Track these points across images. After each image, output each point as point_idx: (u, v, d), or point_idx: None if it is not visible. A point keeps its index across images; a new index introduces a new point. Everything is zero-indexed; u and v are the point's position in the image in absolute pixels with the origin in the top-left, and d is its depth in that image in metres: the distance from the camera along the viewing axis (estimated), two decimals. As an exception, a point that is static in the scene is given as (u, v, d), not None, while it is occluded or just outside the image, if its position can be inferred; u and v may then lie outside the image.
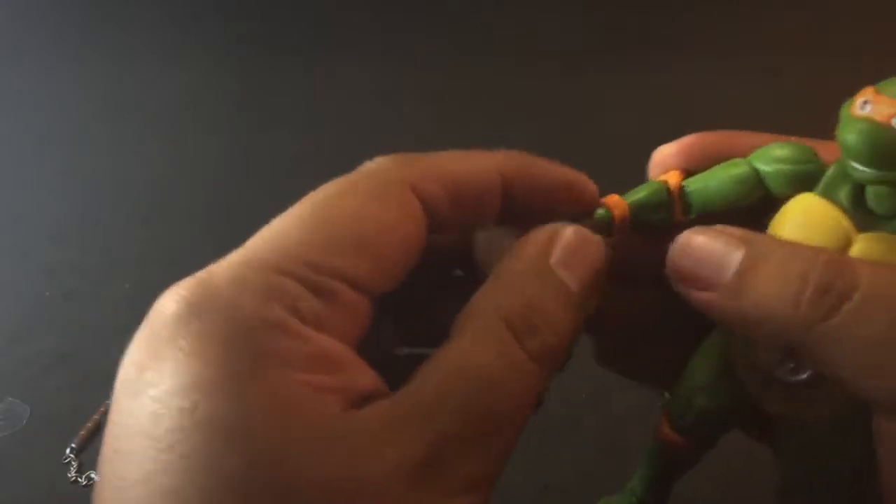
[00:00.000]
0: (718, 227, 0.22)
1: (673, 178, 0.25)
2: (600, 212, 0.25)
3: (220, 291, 0.18)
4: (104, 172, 0.67)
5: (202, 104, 0.76)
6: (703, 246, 0.22)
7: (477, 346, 0.19)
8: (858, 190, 0.22)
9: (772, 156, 0.24)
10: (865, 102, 0.21)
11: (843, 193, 0.22)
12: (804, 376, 0.22)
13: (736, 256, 0.21)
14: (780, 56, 0.80)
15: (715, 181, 0.24)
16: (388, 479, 0.17)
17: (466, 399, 0.18)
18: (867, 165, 0.21)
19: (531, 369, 0.20)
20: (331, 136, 0.71)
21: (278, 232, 0.20)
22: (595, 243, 0.22)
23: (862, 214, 0.22)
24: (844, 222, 0.22)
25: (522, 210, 0.24)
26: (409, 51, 0.82)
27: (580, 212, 0.24)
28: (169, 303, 0.18)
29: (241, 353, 0.17)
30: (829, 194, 0.22)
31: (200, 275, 0.19)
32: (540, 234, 0.22)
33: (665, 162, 0.26)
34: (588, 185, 0.25)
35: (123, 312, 0.52)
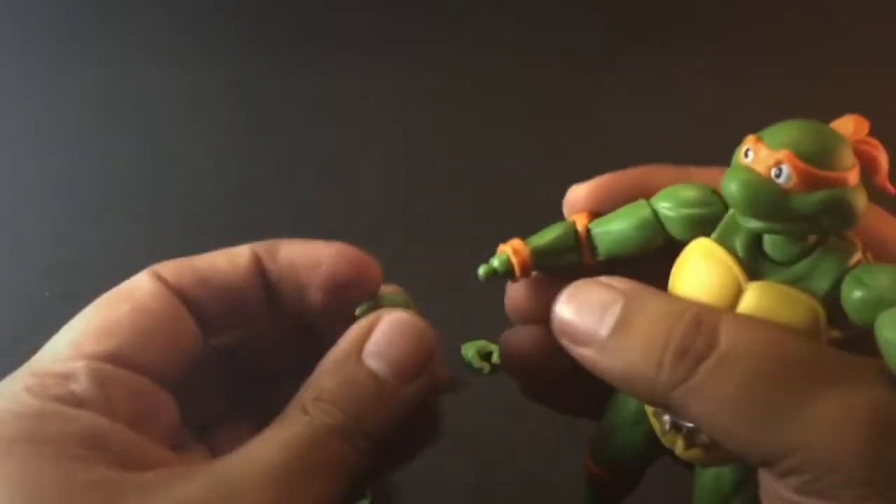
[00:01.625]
0: (603, 278, 0.22)
1: (581, 220, 0.25)
2: (501, 258, 0.25)
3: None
4: (104, 172, 0.67)
5: (202, 104, 0.76)
6: (579, 305, 0.22)
7: (269, 431, 0.21)
8: (755, 235, 0.22)
9: (673, 198, 0.23)
10: (748, 151, 0.20)
11: (739, 239, 0.22)
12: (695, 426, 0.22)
13: (614, 311, 0.21)
14: (781, 56, 0.80)
15: (616, 225, 0.24)
16: None
17: (249, 466, 0.20)
18: (749, 217, 0.20)
19: (323, 444, 0.21)
20: (331, 136, 0.71)
21: (47, 344, 0.23)
22: (414, 329, 0.23)
23: (758, 260, 0.21)
24: (736, 270, 0.21)
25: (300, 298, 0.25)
26: (408, 51, 0.82)
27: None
28: None
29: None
30: (725, 239, 0.22)
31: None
32: (358, 325, 0.23)
33: (575, 203, 0.25)
34: (349, 252, 0.25)
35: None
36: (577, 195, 0.26)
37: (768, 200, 0.20)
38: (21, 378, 0.21)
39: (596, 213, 0.25)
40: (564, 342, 0.23)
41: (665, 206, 0.23)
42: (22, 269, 0.57)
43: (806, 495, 0.19)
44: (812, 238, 0.21)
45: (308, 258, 0.25)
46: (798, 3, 0.86)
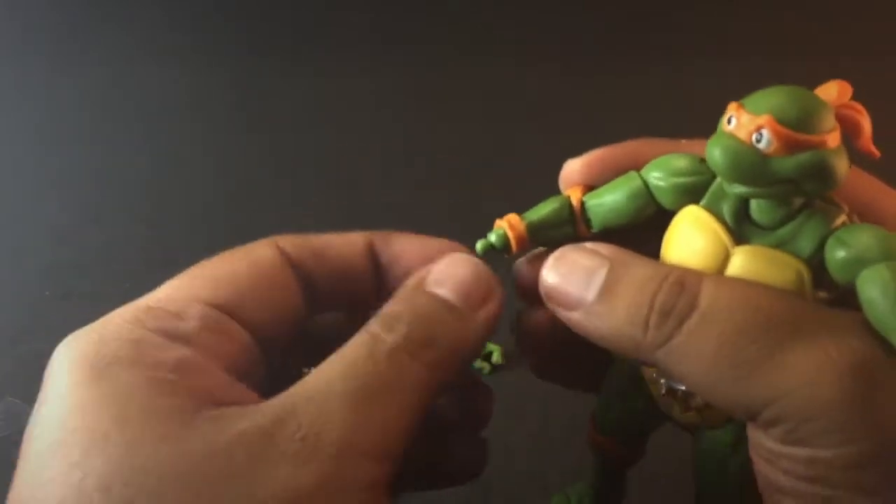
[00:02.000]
0: (588, 245, 0.23)
1: (575, 194, 0.25)
2: (497, 233, 0.26)
3: (94, 325, 0.22)
4: (104, 172, 0.67)
5: (202, 104, 0.76)
6: (567, 270, 0.23)
7: (335, 354, 0.21)
8: (742, 201, 0.22)
9: (662, 168, 0.24)
10: (731, 118, 0.21)
11: (727, 205, 0.22)
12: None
13: (599, 276, 0.22)
14: (781, 56, 0.80)
15: (609, 197, 0.25)
16: (230, 447, 0.19)
17: (315, 385, 0.20)
18: (732, 182, 0.21)
19: (390, 359, 0.21)
20: (331, 136, 0.71)
21: (163, 286, 0.24)
22: (468, 260, 0.24)
23: (745, 226, 0.22)
24: (724, 236, 0.22)
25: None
26: (408, 51, 0.82)
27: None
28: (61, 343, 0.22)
29: (92, 363, 0.20)
30: (713, 206, 0.22)
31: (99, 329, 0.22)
32: (420, 270, 0.24)
33: (570, 177, 0.26)
34: (457, 249, 0.26)
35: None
36: (572, 169, 0.26)
37: (750, 165, 0.20)
38: (133, 310, 0.22)
39: (590, 187, 0.26)
40: (553, 307, 0.23)
41: (655, 175, 0.24)
42: (22, 269, 0.57)
43: (789, 444, 0.20)
44: (797, 202, 0.21)
45: (419, 252, 0.26)
46: (798, 3, 0.86)
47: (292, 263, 0.25)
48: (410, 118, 0.73)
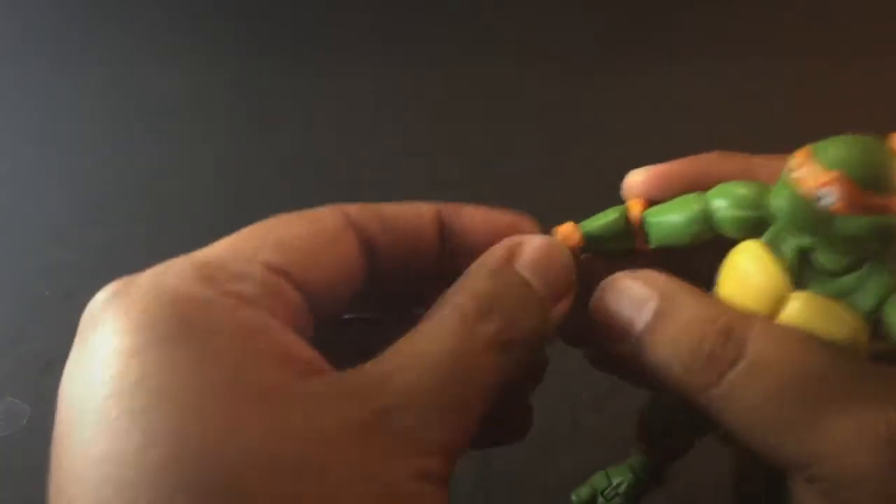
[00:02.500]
0: (640, 273, 0.23)
1: (636, 207, 0.25)
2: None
3: (145, 276, 0.20)
4: (104, 172, 0.67)
5: (202, 104, 0.76)
6: (615, 304, 0.23)
7: (426, 333, 0.20)
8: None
9: (727, 196, 0.23)
10: (798, 165, 0.20)
11: (790, 246, 0.22)
12: None
13: (647, 310, 0.22)
14: (781, 57, 0.80)
15: (669, 217, 0.24)
16: (339, 433, 0.18)
17: (411, 374, 0.19)
18: (793, 232, 0.21)
19: (481, 352, 0.20)
20: (330, 137, 0.71)
21: (216, 243, 0.22)
22: (560, 251, 0.23)
23: (806, 269, 0.21)
24: (782, 278, 0.21)
25: (465, 253, 0.24)
26: (408, 51, 0.82)
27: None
28: (99, 293, 0.20)
29: (163, 320, 0.18)
30: (775, 244, 0.22)
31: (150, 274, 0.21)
32: (507, 241, 0.23)
33: (633, 188, 0.26)
34: (525, 223, 0.25)
35: (123, 312, 0.52)
36: (635, 181, 0.26)
37: (812, 222, 0.20)
38: (195, 266, 0.20)
39: (652, 201, 0.25)
40: (601, 336, 0.23)
41: (718, 204, 0.23)
42: (22, 269, 0.57)
43: (827, 502, 0.20)
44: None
45: (491, 224, 0.25)
46: (798, 4, 0.86)
47: (358, 232, 0.23)
48: (410, 118, 0.73)
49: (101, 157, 0.69)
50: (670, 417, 0.27)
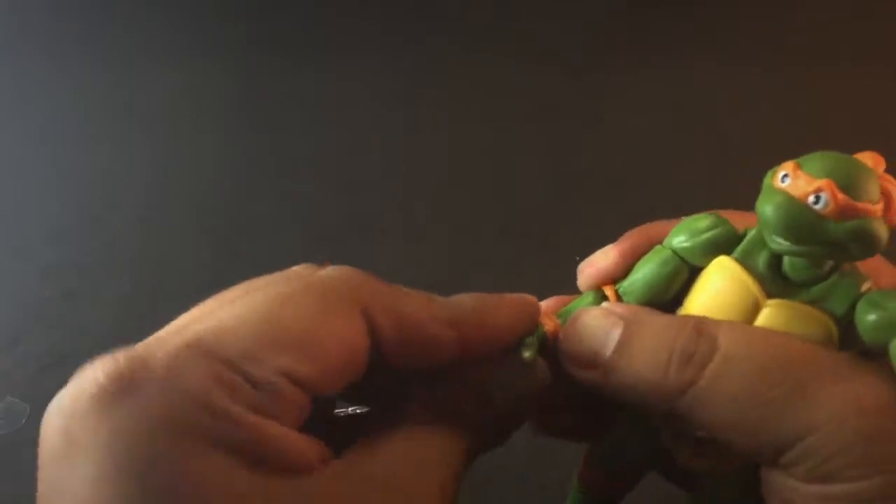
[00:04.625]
0: (605, 305, 0.24)
1: (608, 289, 0.26)
2: (538, 332, 0.25)
3: (159, 370, 0.18)
4: (104, 172, 0.67)
5: (202, 104, 0.76)
6: (586, 326, 0.23)
7: (402, 431, 0.22)
8: (776, 257, 0.23)
9: (684, 231, 0.24)
10: (785, 176, 0.21)
11: (761, 259, 0.23)
12: (705, 434, 0.23)
13: (614, 335, 0.22)
14: (781, 57, 0.80)
15: (640, 272, 0.25)
16: None
17: (386, 473, 0.20)
18: (782, 238, 0.21)
19: (451, 448, 0.22)
20: (330, 137, 0.71)
21: (221, 320, 0.20)
22: (535, 378, 0.24)
23: (777, 281, 0.23)
24: (754, 289, 0.22)
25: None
26: (408, 51, 0.82)
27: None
28: (104, 374, 0.18)
29: (176, 436, 0.18)
30: (746, 259, 0.23)
31: (138, 350, 0.19)
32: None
33: (596, 276, 0.26)
34: (532, 309, 0.25)
35: (123, 312, 0.52)
36: (598, 268, 0.26)
37: (804, 224, 0.21)
38: (206, 364, 0.19)
39: (617, 280, 0.26)
40: (571, 369, 0.24)
41: (679, 239, 0.24)
42: (22, 269, 0.57)
43: (813, 482, 0.20)
44: (828, 264, 0.22)
45: (501, 322, 0.24)
46: (799, 4, 0.86)
47: (368, 324, 0.22)
48: (410, 118, 0.73)
49: (101, 157, 0.69)
50: (628, 452, 0.27)
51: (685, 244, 0.24)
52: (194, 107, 0.76)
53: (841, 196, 0.20)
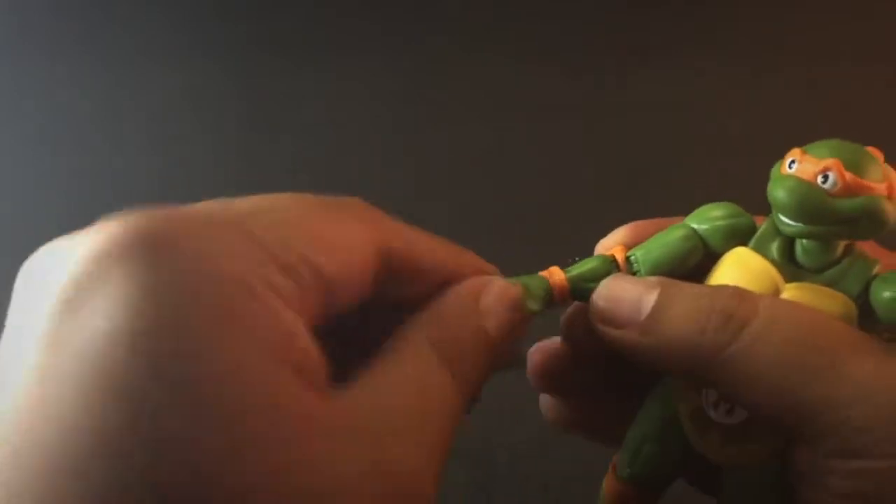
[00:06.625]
0: (637, 276, 0.24)
1: (618, 252, 0.26)
2: (540, 283, 0.25)
3: (200, 236, 0.17)
4: (104, 172, 0.67)
5: (202, 104, 0.76)
6: (620, 290, 0.24)
7: (410, 365, 0.21)
8: (788, 244, 0.24)
9: (705, 215, 0.25)
10: (793, 162, 0.23)
11: (774, 247, 0.24)
12: (740, 419, 0.24)
13: (650, 298, 0.23)
14: (781, 57, 0.80)
15: (659, 241, 0.26)
16: (342, 475, 0.17)
17: (401, 406, 0.20)
18: (795, 220, 0.23)
19: (453, 390, 0.21)
20: (331, 137, 0.71)
21: (267, 209, 0.21)
22: (515, 298, 0.24)
23: (791, 267, 0.24)
24: (774, 273, 0.23)
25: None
26: (408, 51, 0.82)
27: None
28: (139, 225, 0.17)
29: (207, 306, 0.16)
30: (760, 248, 0.24)
31: (178, 210, 0.18)
32: (474, 282, 0.24)
33: (611, 241, 0.27)
34: (487, 266, 0.26)
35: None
36: (614, 236, 0.27)
37: (815, 203, 0.22)
38: (246, 246, 0.18)
39: (629, 248, 0.26)
40: (602, 327, 0.24)
41: (699, 222, 0.25)
42: (22, 269, 0.57)
43: (842, 457, 0.20)
44: (841, 248, 0.23)
45: (449, 264, 0.25)
46: (799, 4, 0.86)
47: (384, 256, 0.22)
48: (410, 118, 0.73)
49: (101, 157, 0.69)
50: (656, 451, 0.27)
51: (706, 226, 0.25)
52: (194, 107, 0.76)
53: (848, 174, 0.22)
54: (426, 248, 0.24)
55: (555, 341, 0.28)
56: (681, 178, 0.60)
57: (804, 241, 0.23)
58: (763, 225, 0.24)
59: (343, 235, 0.22)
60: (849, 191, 0.22)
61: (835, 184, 0.22)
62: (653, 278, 0.24)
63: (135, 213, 0.17)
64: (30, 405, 0.15)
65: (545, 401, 0.29)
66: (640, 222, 0.27)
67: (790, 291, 0.23)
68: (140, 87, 0.78)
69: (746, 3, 0.87)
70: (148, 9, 0.89)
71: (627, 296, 0.23)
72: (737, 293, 0.22)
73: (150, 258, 0.16)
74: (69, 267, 0.17)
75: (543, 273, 0.26)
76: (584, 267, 0.26)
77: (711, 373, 0.22)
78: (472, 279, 0.24)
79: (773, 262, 0.24)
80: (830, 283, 0.23)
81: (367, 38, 0.85)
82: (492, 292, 0.24)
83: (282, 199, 0.23)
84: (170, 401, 0.15)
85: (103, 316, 0.15)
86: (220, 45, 0.84)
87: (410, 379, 0.21)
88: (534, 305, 0.25)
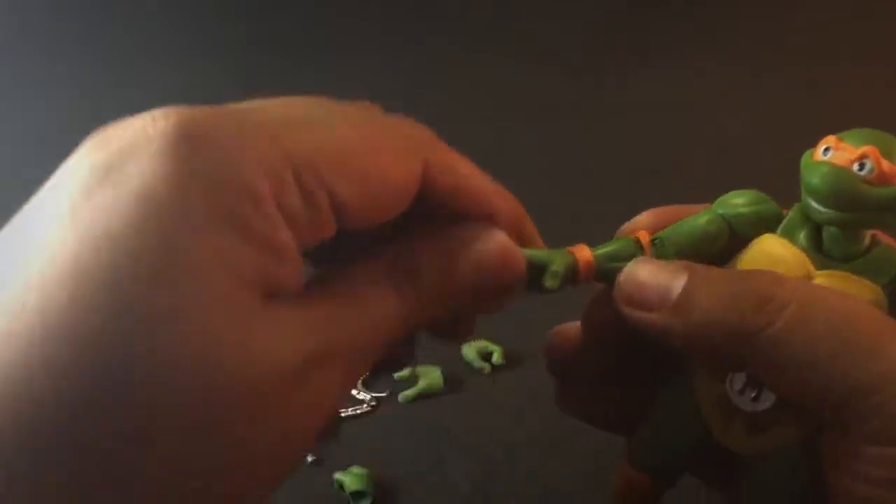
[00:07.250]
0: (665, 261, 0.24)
1: (643, 236, 0.26)
2: (563, 259, 0.25)
3: (225, 140, 0.19)
4: (104, 172, 0.67)
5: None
6: (649, 272, 0.23)
7: (360, 276, 0.21)
8: (816, 233, 0.24)
9: (732, 202, 0.25)
10: (827, 149, 0.23)
11: (802, 236, 0.24)
12: (767, 405, 0.23)
13: (680, 281, 0.23)
14: (781, 57, 0.80)
15: (685, 228, 0.25)
16: (275, 368, 0.18)
17: (349, 322, 0.20)
18: (828, 206, 0.22)
19: (395, 306, 0.21)
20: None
21: (298, 122, 0.20)
22: (514, 259, 0.23)
23: (818, 256, 0.23)
24: (805, 261, 0.23)
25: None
26: (408, 51, 0.82)
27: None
28: (173, 121, 0.19)
29: (217, 206, 0.18)
30: (788, 236, 0.24)
31: (222, 110, 0.20)
32: (477, 227, 0.24)
33: (636, 225, 0.26)
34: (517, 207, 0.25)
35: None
36: (640, 220, 0.27)
37: (850, 189, 0.22)
38: (271, 147, 0.19)
39: (654, 232, 0.26)
40: (628, 309, 0.23)
41: (726, 208, 0.25)
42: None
43: (876, 444, 0.20)
44: (867, 240, 0.23)
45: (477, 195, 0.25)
46: (799, 4, 0.86)
47: (425, 185, 0.23)
48: (410, 118, 0.73)
49: (102, 157, 0.69)
50: (674, 439, 0.27)
51: (733, 212, 0.25)
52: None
53: (885, 162, 0.22)
54: (468, 177, 0.24)
55: (575, 325, 0.28)
56: (681, 177, 0.60)
57: (832, 229, 0.23)
58: (790, 213, 0.24)
59: (378, 166, 0.21)
60: (884, 179, 0.22)
61: (871, 171, 0.22)
62: (680, 262, 0.23)
63: (175, 110, 0.20)
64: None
65: (558, 388, 0.29)
66: (662, 208, 0.26)
67: (821, 279, 0.23)
68: (140, 87, 0.78)
69: (746, 3, 0.87)
70: (148, 9, 0.89)
71: (656, 279, 0.23)
72: (775, 277, 0.22)
73: (176, 150, 0.19)
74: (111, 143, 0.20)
75: (570, 249, 0.25)
76: (609, 247, 0.26)
77: (746, 354, 0.22)
78: (476, 223, 0.24)
79: (801, 249, 0.23)
80: (858, 273, 0.23)
81: (367, 38, 0.85)
82: (491, 240, 0.23)
83: (334, 112, 0.22)
84: (142, 273, 0.17)
85: (123, 185, 0.18)
86: (220, 45, 0.84)
87: (353, 292, 0.21)
88: (551, 282, 0.24)
